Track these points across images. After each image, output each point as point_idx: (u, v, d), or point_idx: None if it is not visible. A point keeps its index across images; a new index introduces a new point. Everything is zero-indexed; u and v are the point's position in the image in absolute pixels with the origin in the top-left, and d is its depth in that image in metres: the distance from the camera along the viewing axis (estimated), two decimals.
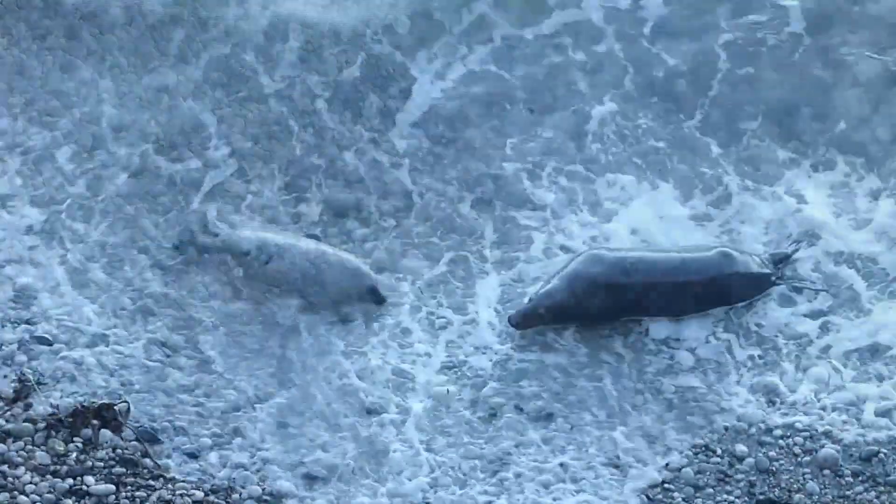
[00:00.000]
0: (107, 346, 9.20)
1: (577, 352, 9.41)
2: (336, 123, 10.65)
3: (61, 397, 8.79)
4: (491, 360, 9.30)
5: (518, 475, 8.68)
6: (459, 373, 9.25)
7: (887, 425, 8.99)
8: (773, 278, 9.80)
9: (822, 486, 8.65)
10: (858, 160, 10.52)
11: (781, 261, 9.93)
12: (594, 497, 8.58)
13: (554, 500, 8.56)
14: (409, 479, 8.62)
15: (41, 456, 8.38)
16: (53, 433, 8.51)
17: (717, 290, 9.67)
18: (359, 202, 10.21)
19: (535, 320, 9.50)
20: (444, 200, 10.24)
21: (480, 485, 8.63)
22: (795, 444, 8.89)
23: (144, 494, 8.29)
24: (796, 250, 9.98)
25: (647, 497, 8.58)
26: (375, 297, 9.68)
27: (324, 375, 9.21)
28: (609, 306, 9.53)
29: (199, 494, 8.34)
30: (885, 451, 8.84)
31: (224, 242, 9.86)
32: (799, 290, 9.82)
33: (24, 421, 8.58)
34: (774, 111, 10.79)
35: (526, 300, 9.60)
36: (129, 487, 8.31)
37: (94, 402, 8.70)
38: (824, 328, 9.57)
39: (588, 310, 9.51)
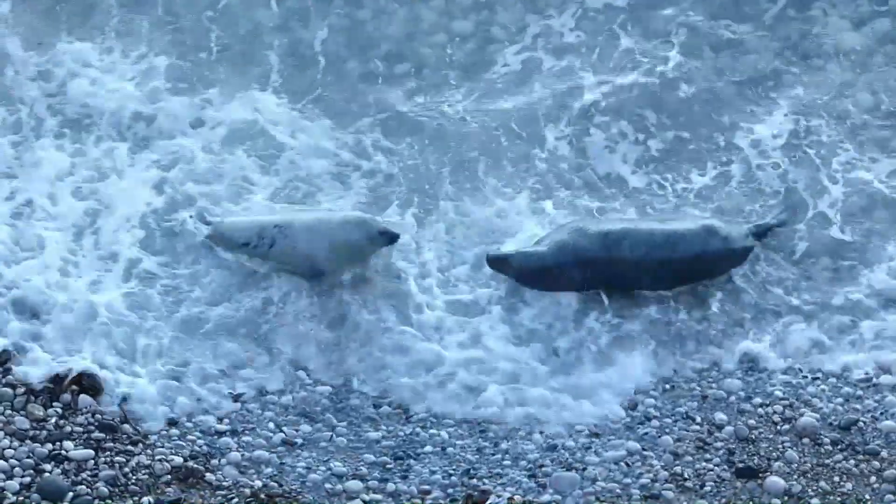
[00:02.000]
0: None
1: (566, 314, 9.47)
2: None
3: (42, 363, 8.78)
4: None
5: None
6: None
7: (866, 394, 9.05)
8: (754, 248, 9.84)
9: (801, 455, 8.67)
10: None
11: (766, 232, 9.93)
12: None
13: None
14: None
15: (20, 421, 8.37)
16: (33, 398, 8.50)
17: (700, 263, 9.67)
18: None
19: (505, 269, 9.56)
20: None
21: None
22: (775, 413, 8.91)
23: (123, 459, 8.28)
24: (782, 222, 9.99)
25: (626, 464, 8.61)
26: (389, 237, 9.65)
27: (302, 342, 9.25)
28: (589, 276, 9.57)
29: (178, 460, 8.34)
30: (864, 419, 8.86)
31: (217, 231, 9.78)
32: (767, 233, 9.87)
33: (4, 386, 8.57)
34: None
35: (512, 248, 9.66)
36: (108, 452, 8.31)
37: (73, 369, 8.68)
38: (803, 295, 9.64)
39: (565, 278, 9.58)
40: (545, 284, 9.58)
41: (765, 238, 9.85)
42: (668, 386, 9.11)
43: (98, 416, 8.48)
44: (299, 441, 8.63)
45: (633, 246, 9.56)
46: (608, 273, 9.54)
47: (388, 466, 8.53)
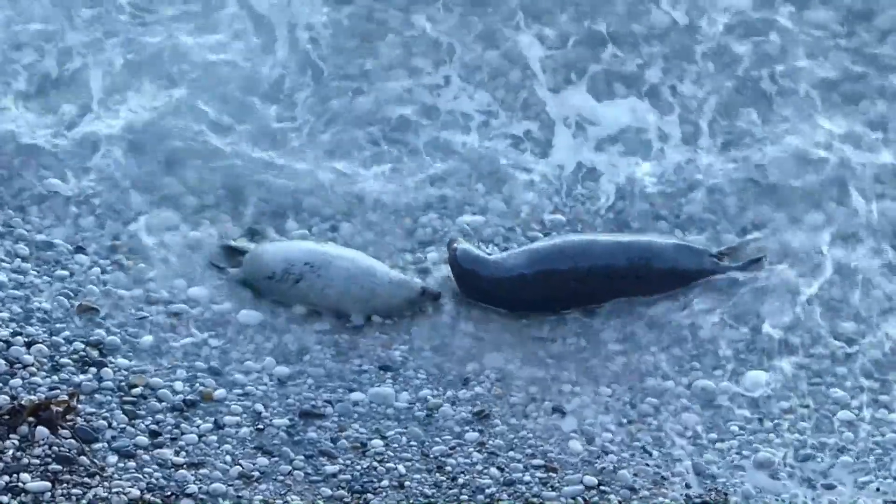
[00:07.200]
0: (46, 343, 9.22)
1: (522, 345, 9.51)
2: None
3: None
4: None
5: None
6: None
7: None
8: (712, 267, 9.87)
9: (758, 489, 8.69)
10: None
11: (726, 255, 9.95)
12: None
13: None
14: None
15: None
16: None
17: (648, 274, 9.75)
18: None
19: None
20: None
21: None
22: (731, 448, 8.93)
23: (80, 492, 8.27)
24: (757, 260, 9.99)
25: (584, 499, 8.61)
26: (431, 297, 9.69)
27: (260, 375, 9.28)
28: (537, 294, 9.66)
29: (135, 493, 8.33)
30: (821, 455, 8.89)
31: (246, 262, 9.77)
32: (742, 269, 9.90)
33: None
34: None
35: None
36: (65, 485, 8.29)
37: (31, 400, 8.67)
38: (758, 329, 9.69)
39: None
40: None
41: (728, 261, 9.89)
42: (624, 420, 9.13)
43: (55, 448, 8.47)
44: (256, 474, 8.62)
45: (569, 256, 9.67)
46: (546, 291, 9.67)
47: (346, 500, 8.52)
